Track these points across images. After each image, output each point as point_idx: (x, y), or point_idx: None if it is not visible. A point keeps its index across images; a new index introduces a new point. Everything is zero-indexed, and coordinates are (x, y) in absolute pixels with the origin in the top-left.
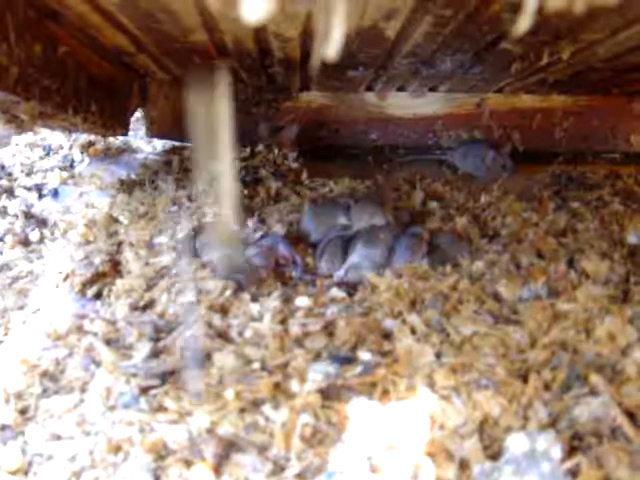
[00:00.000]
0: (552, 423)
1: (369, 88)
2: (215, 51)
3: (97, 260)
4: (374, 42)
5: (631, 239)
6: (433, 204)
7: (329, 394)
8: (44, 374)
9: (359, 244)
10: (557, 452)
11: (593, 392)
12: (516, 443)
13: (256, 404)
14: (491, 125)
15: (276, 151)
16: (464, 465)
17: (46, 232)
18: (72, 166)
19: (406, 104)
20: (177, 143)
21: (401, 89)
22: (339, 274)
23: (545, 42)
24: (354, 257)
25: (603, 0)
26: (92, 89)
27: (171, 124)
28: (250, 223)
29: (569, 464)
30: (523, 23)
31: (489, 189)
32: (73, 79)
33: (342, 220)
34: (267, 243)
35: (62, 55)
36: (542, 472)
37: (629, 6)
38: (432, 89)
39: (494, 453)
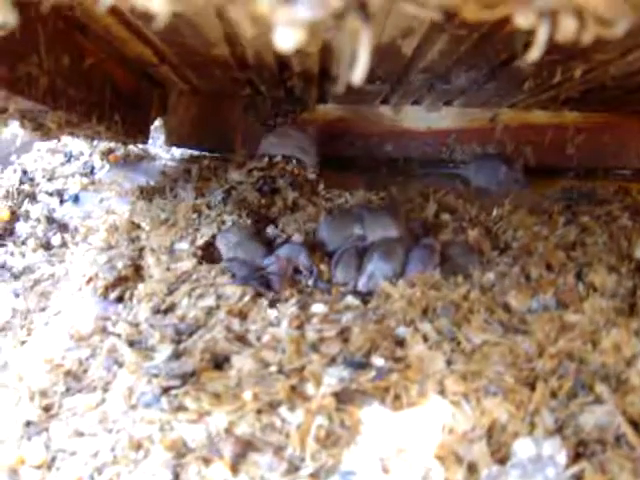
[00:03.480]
0: (558, 430)
1: (385, 101)
2: (236, 64)
3: (120, 264)
4: (391, 58)
5: (639, 253)
6: (446, 216)
7: (343, 398)
8: (67, 373)
9: (376, 255)
10: (562, 458)
11: (598, 401)
12: (523, 448)
13: (273, 406)
14: (504, 140)
15: (294, 162)
16: (472, 469)
17: (67, 237)
18: (92, 172)
19: (421, 118)
20: (196, 152)
21: (416, 103)
22: (362, 282)
23: (558, 61)
24: (371, 267)
25: (610, 32)
26: (115, 99)
27: (190, 133)
28: (269, 231)
29: (574, 470)
30: (534, 53)
31: (501, 203)
32: (98, 89)
33: (357, 231)
34: (286, 252)
35: (88, 66)
36: (547, 477)
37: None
38: (447, 103)
39: (501, 457)
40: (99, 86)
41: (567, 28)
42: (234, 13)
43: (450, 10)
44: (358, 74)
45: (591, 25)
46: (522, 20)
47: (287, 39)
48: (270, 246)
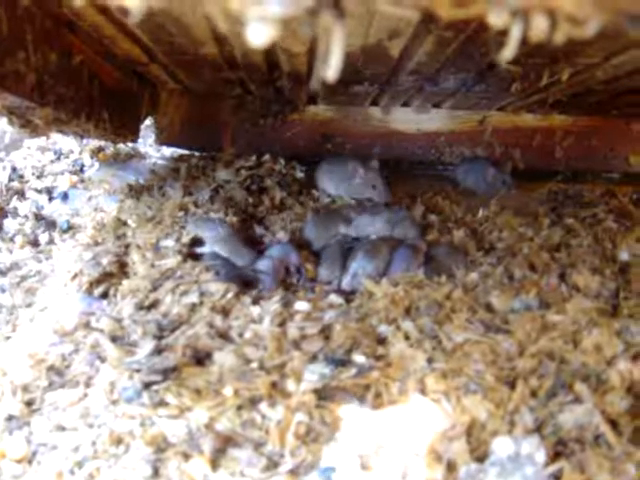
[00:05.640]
0: (537, 429)
1: (374, 103)
2: (225, 63)
3: (105, 261)
4: (379, 59)
5: (623, 256)
6: (432, 217)
7: (324, 394)
8: (50, 368)
9: (360, 254)
10: (541, 456)
11: (578, 400)
12: (501, 446)
13: (253, 402)
14: (492, 142)
15: (282, 161)
16: (451, 466)
17: (55, 234)
18: (82, 170)
19: (410, 119)
20: (185, 151)
21: (405, 104)
22: (346, 281)
23: (544, 64)
24: (355, 265)
25: (579, 32)
26: (105, 97)
27: (180, 132)
28: (257, 230)
29: (552, 468)
30: (507, 52)
31: (487, 204)
32: (87, 87)
33: (343, 230)
34: (278, 253)
35: (77, 64)
36: (526, 475)
37: (623, 33)
38: (436, 105)
39: (480, 455)
40: (88, 84)
41: (539, 27)
42: (209, 8)
43: (425, 9)
44: (332, 71)
45: (563, 24)
46: (495, 19)
47: (259, 35)
48: (255, 245)
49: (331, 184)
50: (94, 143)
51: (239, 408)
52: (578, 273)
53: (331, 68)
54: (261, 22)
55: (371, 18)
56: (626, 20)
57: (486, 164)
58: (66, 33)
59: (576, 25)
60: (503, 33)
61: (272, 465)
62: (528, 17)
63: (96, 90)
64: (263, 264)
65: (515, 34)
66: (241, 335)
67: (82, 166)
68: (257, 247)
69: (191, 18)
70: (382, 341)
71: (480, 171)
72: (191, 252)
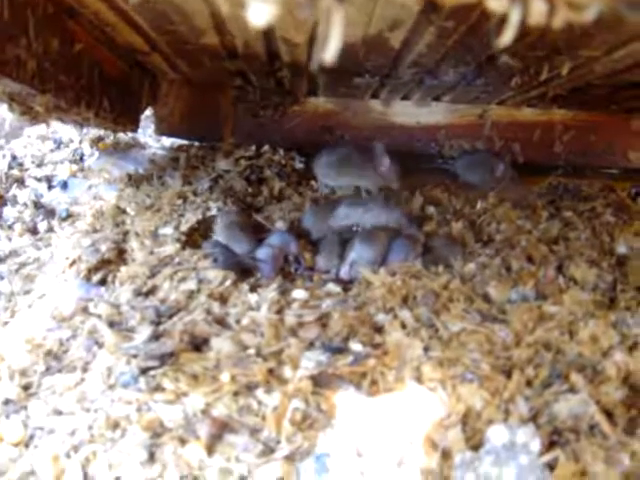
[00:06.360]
0: (532, 418)
1: (374, 96)
2: (225, 53)
3: (103, 248)
4: (380, 51)
5: (620, 249)
6: (431, 209)
7: (320, 381)
8: (48, 353)
9: (358, 243)
10: (536, 445)
11: (573, 390)
12: (497, 435)
13: (250, 388)
14: (492, 136)
15: (281, 152)
16: (446, 454)
17: (54, 222)
18: (82, 159)
19: (410, 112)
20: (185, 141)
21: (406, 98)
22: (344, 270)
23: (544, 57)
24: (353, 255)
25: (578, 16)
26: (105, 86)
27: (180, 123)
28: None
29: (547, 457)
30: (507, 35)
31: (486, 197)
32: (87, 75)
33: (337, 220)
34: (277, 242)
35: (78, 52)
36: (520, 464)
37: (623, 25)
38: (436, 99)
39: (475, 444)
40: (89, 72)
41: (538, 12)
42: None
43: None
44: (330, 54)
45: (561, 9)
46: (495, 4)
47: (260, 15)
48: (255, 233)
49: (329, 174)
50: (94, 132)
51: (236, 394)
52: (575, 265)
53: (330, 51)
54: (262, 2)
55: (373, 6)
56: (624, 6)
57: (486, 157)
58: (68, 20)
59: (575, 10)
60: (504, 22)
61: (268, 451)
62: (527, 2)
63: (97, 78)
64: (262, 252)
65: (514, 19)
66: (238, 322)
67: (82, 155)
68: (257, 236)
69: (192, 5)
70: (379, 330)
71: (482, 165)
72: None
